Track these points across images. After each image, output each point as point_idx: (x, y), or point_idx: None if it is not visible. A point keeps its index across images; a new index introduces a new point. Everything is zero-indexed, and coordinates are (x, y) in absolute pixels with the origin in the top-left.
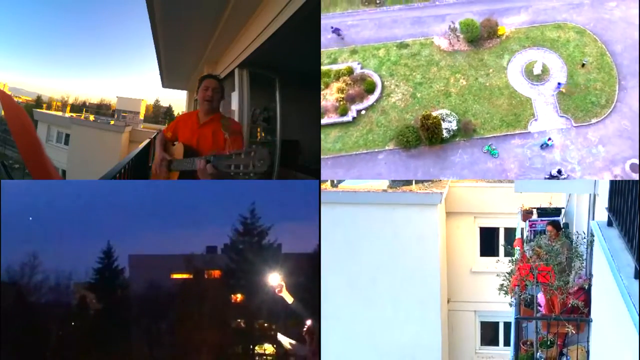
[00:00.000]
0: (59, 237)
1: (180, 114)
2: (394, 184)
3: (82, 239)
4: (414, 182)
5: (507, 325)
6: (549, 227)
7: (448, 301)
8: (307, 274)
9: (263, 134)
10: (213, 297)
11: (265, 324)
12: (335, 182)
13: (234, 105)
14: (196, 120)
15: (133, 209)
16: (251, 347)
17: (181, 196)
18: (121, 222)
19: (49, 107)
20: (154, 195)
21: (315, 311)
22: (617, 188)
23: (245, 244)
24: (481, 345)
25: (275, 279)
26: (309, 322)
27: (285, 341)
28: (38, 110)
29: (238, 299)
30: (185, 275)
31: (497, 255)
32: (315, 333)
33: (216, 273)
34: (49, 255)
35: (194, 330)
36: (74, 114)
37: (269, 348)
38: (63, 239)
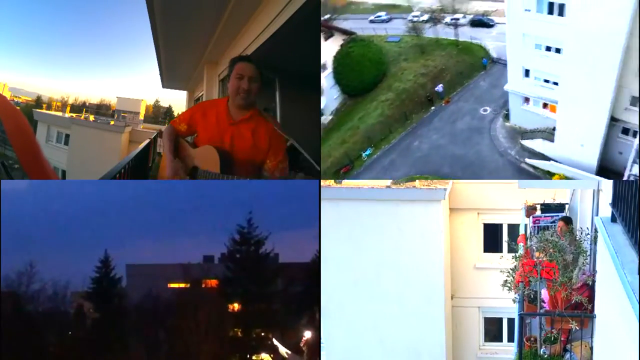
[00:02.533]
0: (56, 244)
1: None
2: (398, 180)
3: (79, 247)
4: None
5: (510, 321)
6: (561, 223)
7: (452, 297)
8: (305, 283)
9: None
10: (210, 306)
11: (262, 333)
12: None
13: None
14: (225, 115)
15: (130, 215)
16: (248, 356)
17: (181, 198)
18: (118, 231)
19: (48, 108)
20: (152, 198)
21: (314, 320)
22: (621, 184)
23: (242, 253)
24: (485, 341)
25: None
26: (307, 334)
27: (282, 350)
28: (38, 110)
29: (235, 308)
30: (182, 285)
31: (501, 251)
32: (313, 344)
33: (213, 282)
34: (46, 263)
35: (191, 339)
36: (73, 114)
37: (266, 357)
38: (60, 247)
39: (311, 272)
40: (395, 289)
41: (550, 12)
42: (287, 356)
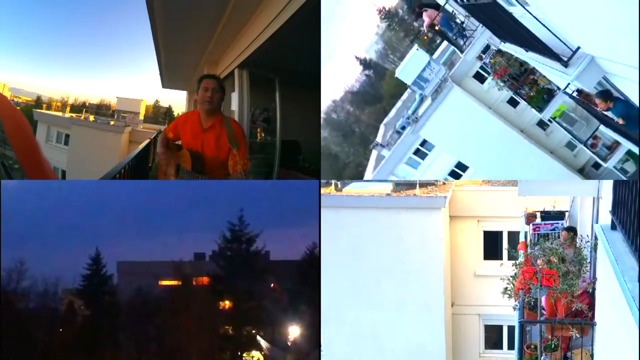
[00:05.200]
0: (46, 242)
1: (180, 114)
2: (398, 187)
3: (71, 244)
4: (417, 185)
5: (511, 328)
6: (564, 234)
7: (452, 304)
8: (295, 280)
9: (263, 135)
10: (201, 303)
11: (253, 331)
12: (339, 186)
13: (234, 106)
14: (198, 124)
15: (123, 213)
16: (239, 353)
17: (175, 196)
18: (111, 227)
19: (48, 108)
20: (146, 197)
21: (305, 317)
22: (621, 192)
23: (234, 250)
24: (485, 348)
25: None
26: (294, 330)
27: (265, 345)
28: (38, 110)
29: (226, 306)
30: (173, 282)
31: (501, 258)
32: (304, 342)
33: (204, 279)
34: (37, 260)
35: (182, 336)
36: (73, 115)
37: (256, 355)
38: (53, 245)
39: (302, 269)
40: (395, 296)
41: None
42: (269, 353)
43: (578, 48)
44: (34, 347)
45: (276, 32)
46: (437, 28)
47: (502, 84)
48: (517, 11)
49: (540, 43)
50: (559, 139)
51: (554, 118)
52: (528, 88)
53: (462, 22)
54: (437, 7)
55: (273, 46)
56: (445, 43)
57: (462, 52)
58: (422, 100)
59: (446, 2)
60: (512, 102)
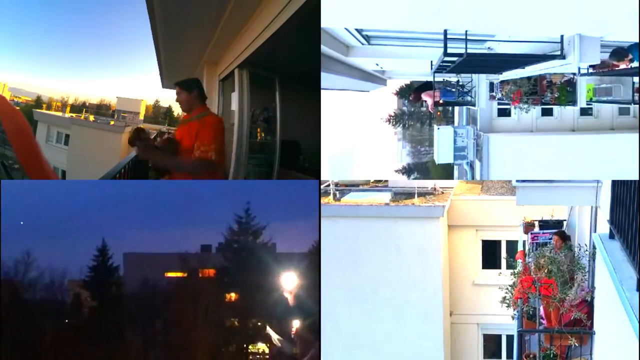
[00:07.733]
0: (55, 235)
1: (180, 114)
2: (397, 197)
3: (77, 237)
4: (416, 195)
5: (509, 338)
6: (556, 237)
7: (450, 314)
8: (302, 273)
9: (263, 135)
10: (207, 295)
11: (259, 323)
12: (337, 195)
13: (234, 106)
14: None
15: (129, 208)
16: (245, 345)
17: (180, 196)
18: (117, 221)
19: (48, 108)
20: (150, 193)
21: (309, 312)
22: (619, 200)
23: (240, 243)
24: (484, 357)
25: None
26: (299, 323)
27: (275, 337)
28: (38, 110)
29: (232, 298)
30: (179, 274)
31: (500, 267)
32: (309, 336)
33: (211, 272)
34: (44, 251)
35: (188, 328)
36: (73, 115)
37: (262, 347)
38: (59, 237)
39: (309, 261)
40: (394, 306)
41: None
42: (279, 344)
43: (562, 36)
44: (40, 338)
45: (276, 32)
46: (441, 102)
47: (525, 106)
48: (492, 44)
49: (528, 56)
50: (610, 113)
51: (590, 100)
52: (550, 93)
53: (458, 81)
54: (428, 84)
55: (273, 46)
56: (457, 107)
57: (474, 105)
58: (472, 166)
59: (434, 79)
60: (547, 113)
